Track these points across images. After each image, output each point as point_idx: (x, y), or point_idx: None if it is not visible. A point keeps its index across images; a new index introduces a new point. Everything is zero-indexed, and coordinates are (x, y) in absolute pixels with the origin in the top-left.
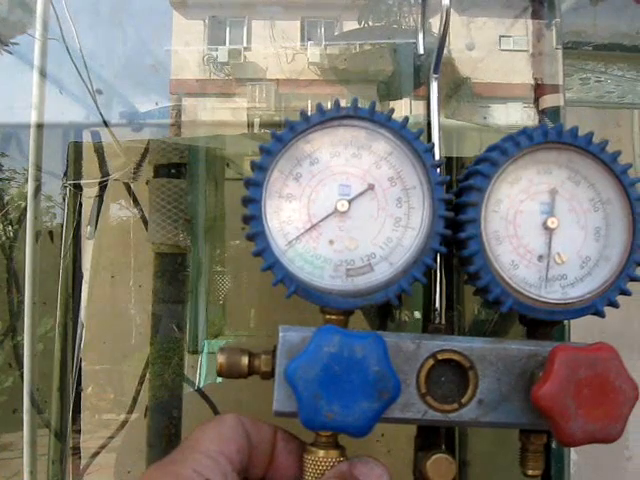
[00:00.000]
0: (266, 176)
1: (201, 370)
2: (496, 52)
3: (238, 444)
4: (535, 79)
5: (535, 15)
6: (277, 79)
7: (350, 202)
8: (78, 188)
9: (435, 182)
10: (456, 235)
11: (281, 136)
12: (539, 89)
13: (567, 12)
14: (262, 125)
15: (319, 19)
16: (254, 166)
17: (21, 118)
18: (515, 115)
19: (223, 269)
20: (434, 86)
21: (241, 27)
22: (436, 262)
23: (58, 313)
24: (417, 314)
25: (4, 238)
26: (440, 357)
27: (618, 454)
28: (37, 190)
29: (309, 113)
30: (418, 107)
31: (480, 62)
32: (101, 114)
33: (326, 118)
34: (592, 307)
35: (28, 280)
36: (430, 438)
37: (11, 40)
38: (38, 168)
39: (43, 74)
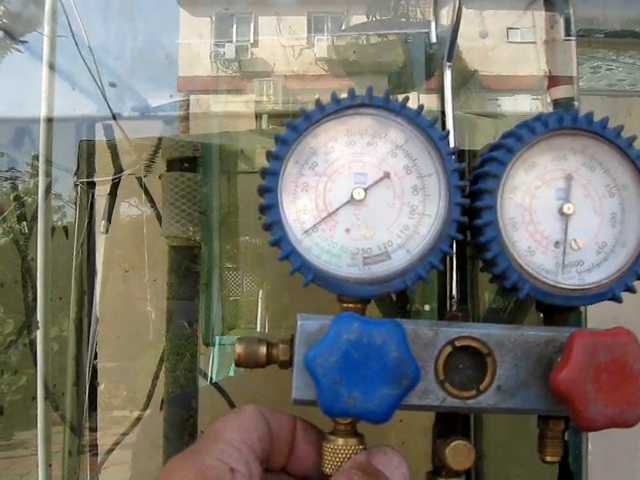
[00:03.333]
0: (282, 165)
1: (213, 364)
2: (505, 43)
3: (259, 433)
4: (548, 70)
5: (548, 5)
6: (284, 75)
7: (366, 190)
8: (90, 184)
9: (451, 169)
10: (472, 222)
11: (296, 125)
12: (551, 80)
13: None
14: (270, 121)
15: (326, 14)
16: (270, 156)
17: (34, 113)
18: (524, 107)
19: (236, 264)
20: (447, 74)
21: (248, 23)
22: (452, 249)
23: (72, 309)
24: (427, 307)
25: (19, 234)
26: (458, 344)
27: (631, 445)
28: (49, 186)
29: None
30: (429, 100)
31: (491, 51)
32: (109, 106)
33: (341, 107)
34: (609, 292)
35: (40, 275)
36: (449, 425)
37: (23, 37)
38: (49, 163)
39: (52, 68)
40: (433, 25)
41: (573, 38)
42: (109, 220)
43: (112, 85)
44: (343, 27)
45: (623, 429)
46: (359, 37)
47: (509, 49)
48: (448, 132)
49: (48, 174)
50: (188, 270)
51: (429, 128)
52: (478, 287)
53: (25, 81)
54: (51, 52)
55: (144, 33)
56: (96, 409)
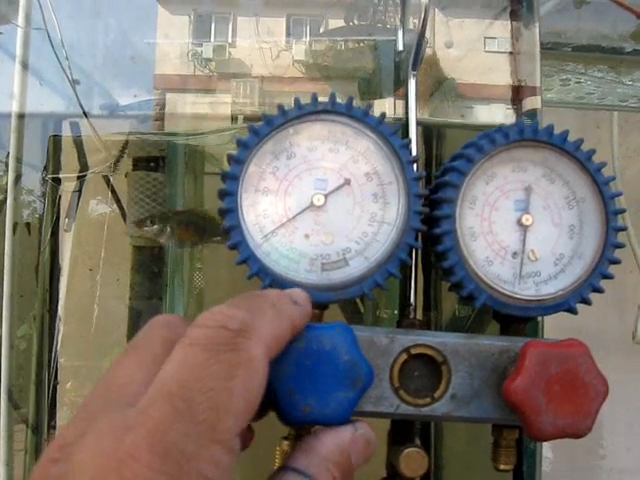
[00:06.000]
0: (243, 169)
1: None
2: (476, 52)
3: None
4: (516, 80)
5: (514, 16)
6: (261, 76)
7: (326, 196)
8: (57, 181)
9: (411, 178)
10: (431, 231)
11: (258, 130)
12: (520, 90)
13: (550, 14)
14: (246, 122)
15: (304, 17)
16: (231, 159)
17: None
18: (497, 115)
19: (200, 264)
20: (412, 83)
21: (226, 23)
22: (411, 257)
23: (36, 306)
24: (389, 311)
25: None
26: (413, 352)
27: (593, 453)
28: (16, 181)
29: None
30: (401, 105)
31: (459, 61)
32: (80, 104)
33: (304, 112)
34: (565, 304)
35: (7, 273)
36: (403, 432)
37: None
38: (18, 160)
39: (25, 65)
40: (400, 33)
41: (537, 49)
42: (74, 218)
43: (76, 82)
44: (321, 31)
45: (585, 438)
46: (336, 42)
47: (485, 58)
48: (409, 141)
49: (16, 170)
50: (151, 270)
51: (390, 136)
52: (442, 295)
53: None
54: (24, 47)
55: (116, 31)
56: (56, 408)
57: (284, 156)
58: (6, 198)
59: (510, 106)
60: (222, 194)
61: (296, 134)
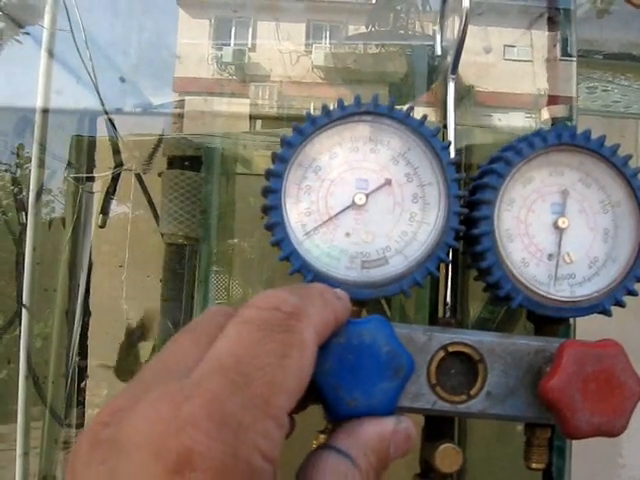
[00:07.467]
0: (287, 168)
1: None
2: (502, 61)
3: None
4: (545, 89)
5: (551, 24)
6: (280, 80)
7: (367, 196)
8: (82, 178)
9: (451, 179)
10: (469, 232)
11: (302, 129)
12: (549, 98)
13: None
14: (265, 125)
15: (325, 23)
16: (275, 157)
17: (40, 104)
18: (517, 124)
19: (223, 267)
20: (451, 86)
21: (246, 28)
22: (449, 256)
23: (62, 300)
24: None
25: (16, 225)
26: (451, 349)
27: (612, 461)
28: (40, 189)
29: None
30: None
31: (493, 67)
32: (101, 101)
33: (347, 113)
34: (599, 306)
35: (28, 264)
36: (438, 429)
37: (33, 28)
38: (44, 151)
39: (51, 55)
40: (438, 38)
41: (574, 59)
42: (106, 214)
43: (122, 80)
44: (343, 36)
45: (605, 446)
46: (357, 46)
47: (506, 66)
48: (450, 143)
49: (47, 165)
50: (183, 267)
51: (431, 138)
52: (468, 298)
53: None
54: (50, 43)
55: (150, 31)
56: (84, 405)
57: (327, 156)
58: (40, 193)
59: (530, 115)
60: (266, 191)
61: (339, 134)
